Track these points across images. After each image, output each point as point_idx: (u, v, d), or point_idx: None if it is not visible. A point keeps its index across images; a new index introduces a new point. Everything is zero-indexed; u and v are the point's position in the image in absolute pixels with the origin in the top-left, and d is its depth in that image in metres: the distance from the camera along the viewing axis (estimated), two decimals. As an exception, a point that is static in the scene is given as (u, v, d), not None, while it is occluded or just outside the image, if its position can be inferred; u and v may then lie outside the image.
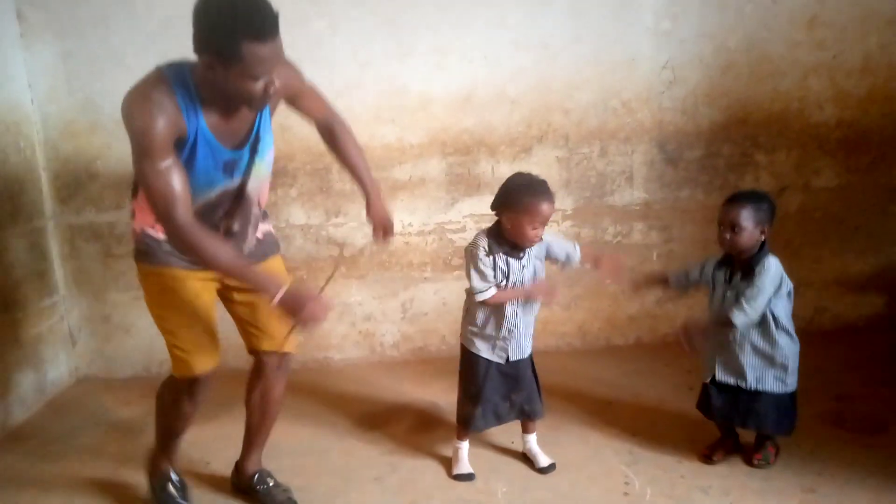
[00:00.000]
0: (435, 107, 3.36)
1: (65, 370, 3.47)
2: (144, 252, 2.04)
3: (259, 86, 1.71)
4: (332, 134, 2.24)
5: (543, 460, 2.53)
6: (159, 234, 1.97)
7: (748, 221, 2.27)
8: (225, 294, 2.17)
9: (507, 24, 3.30)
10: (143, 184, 1.78)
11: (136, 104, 1.74)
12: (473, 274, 2.32)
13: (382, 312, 3.60)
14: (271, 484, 2.36)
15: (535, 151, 3.44)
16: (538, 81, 3.37)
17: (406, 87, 3.33)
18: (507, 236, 2.31)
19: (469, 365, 2.46)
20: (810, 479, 2.36)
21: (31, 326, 3.21)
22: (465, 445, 2.53)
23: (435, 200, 3.47)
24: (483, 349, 2.41)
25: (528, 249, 2.33)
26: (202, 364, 2.08)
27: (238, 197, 1.99)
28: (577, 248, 2.45)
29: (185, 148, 1.80)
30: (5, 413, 3.00)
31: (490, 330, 2.40)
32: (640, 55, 3.36)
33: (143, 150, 1.73)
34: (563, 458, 2.57)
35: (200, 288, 2.06)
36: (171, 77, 1.77)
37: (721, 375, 2.42)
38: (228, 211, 2.00)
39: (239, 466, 2.43)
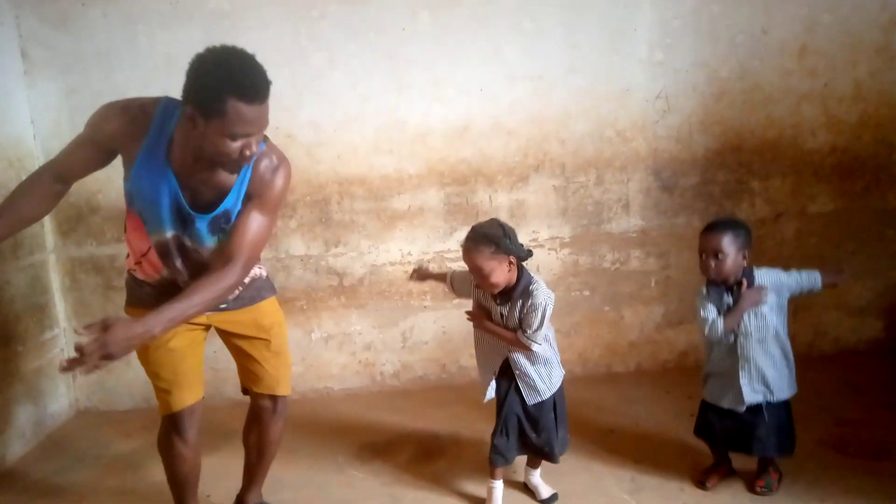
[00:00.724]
0: (433, 138, 3.41)
1: (65, 403, 3.47)
2: (129, 293, 2.11)
3: (235, 146, 1.69)
4: (222, 266, 1.86)
5: (545, 491, 2.51)
6: (139, 274, 2.04)
7: (731, 247, 2.30)
8: (220, 333, 2.19)
9: (503, 57, 3.35)
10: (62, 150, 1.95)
11: (110, 107, 1.87)
12: (457, 274, 2.52)
13: (382, 342, 3.61)
14: None
15: (531, 180, 3.47)
16: (534, 112, 3.41)
17: (404, 119, 3.38)
18: None
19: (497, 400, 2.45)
20: (813, 506, 2.35)
21: (32, 360, 3.21)
22: (497, 485, 2.47)
23: (433, 229, 3.50)
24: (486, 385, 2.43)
25: (509, 303, 2.29)
26: (180, 399, 2.10)
27: (199, 261, 1.96)
28: (527, 338, 2.27)
29: (137, 163, 1.84)
30: (4, 447, 2.99)
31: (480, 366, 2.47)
32: (634, 85, 3.42)
33: (83, 135, 1.90)
34: (566, 487, 2.55)
35: (178, 329, 1.93)
36: (162, 107, 1.83)
37: (750, 397, 2.37)
38: (185, 266, 1.96)
39: (240, 499, 2.44)
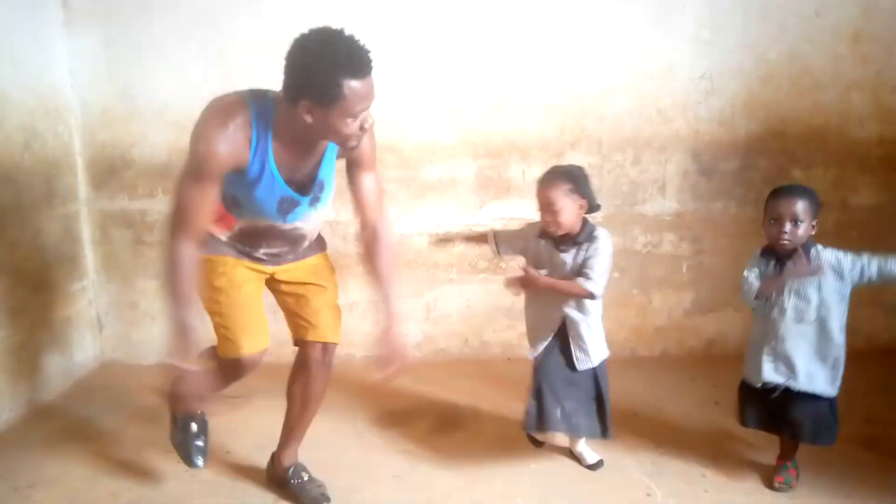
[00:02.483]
0: (468, 108, 3.36)
1: (91, 354, 3.51)
2: (202, 244, 2.10)
3: (356, 125, 1.75)
4: (374, 236, 2.11)
5: (591, 457, 2.52)
6: (216, 231, 2.07)
7: (806, 214, 2.18)
8: (273, 285, 2.23)
9: (545, 28, 3.28)
10: (176, 191, 1.85)
11: (211, 127, 1.78)
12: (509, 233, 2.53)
13: (406, 312, 3.57)
14: (305, 479, 2.36)
15: (567, 156, 3.40)
16: (574, 86, 3.34)
17: (440, 88, 3.33)
18: None
19: (537, 366, 2.42)
20: (840, 502, 2.29)
21: (60, 309, 3.25)
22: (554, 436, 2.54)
23: (464, 202, 3.46)
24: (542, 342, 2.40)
25: (576, 248, 2.29)
26: (250, 346, 2.11)
27: (294, 237, 2.09)
28: (588, 280, 2.26)
29: (243, 175, 1.85)
30: (32, 392, 3.04)
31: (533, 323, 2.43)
32: (678, 63, 3.33)
33: (194, 167, 1.80)
34: (585, 468, 2.53)
35: (249, 275, 2.13)
36: (252, 109, 1.80)
37: (770, 375, 2.28)
38: (278, 244, 2.09)
39: (275, 458, 2.42)
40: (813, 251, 2.23)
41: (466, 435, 2.77)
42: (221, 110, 1.81)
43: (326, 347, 2.27)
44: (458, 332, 3.61)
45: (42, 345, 3.12)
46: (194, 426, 2.31)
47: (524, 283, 2.34)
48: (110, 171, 3.40)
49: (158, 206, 3.39)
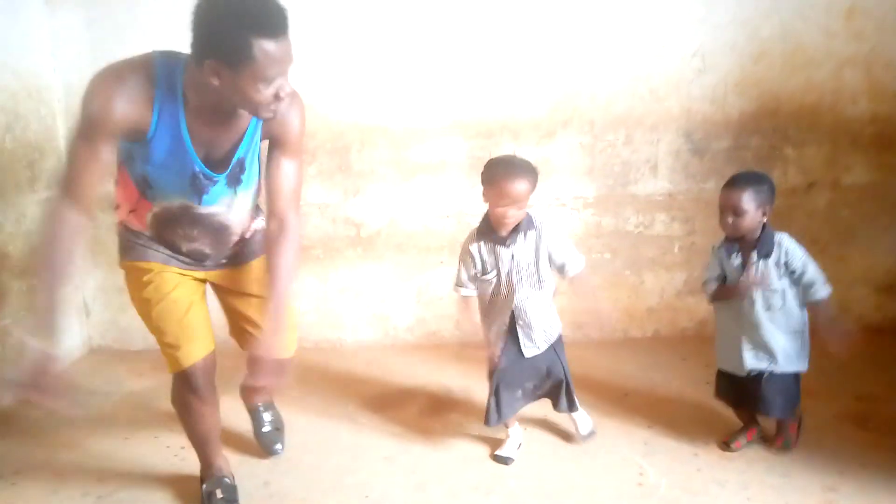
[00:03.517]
0: (458, 88, 3.31)
1: (78, 340, 3.48)
2: (124, 247, 2.00)
3: (268, 92, 1.59)
4: (280, 229, 1.88)
5: (585, 426, 2.53)
6: (135, 225, 1.93)
7: (750, 204, 2.23)
8: (214, 288, 2.12)
9: (535, 4, 3.23)
10: (68, 152, 1.71)
11: (106, 82, 1.63)
12: (459, 267, 2.35)
13: (397, 295, 3.57)
14: (266, 419, 2.44)
15: (559, 136, 3.38)
16: (565, 65, 3.30)
17: (429, 68, 3.28)
18: (490, 221, 2.27)
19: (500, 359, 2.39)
20: (832, 479, 2.29)
21: (47, 294, 3.20)
22: (513, 431, 2.50)
23: (455, 184, 3.42)
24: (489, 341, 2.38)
25: (520, 236, 2.26)
26: (190, 353, 1.97)
27: (214, 227, 1.92)
28: (578, 266, 2.32)
29: (149, 139, 1.69)
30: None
31: (489, 324, 2.38)
32: (670, 40, 3.28)
33: (84, 131, 1.64)
34: (577, 447, 2.53)
35: (178, 280, 1.98)
36: (158, 68, 1.65)
37: (752, 363, 2.35)
38: (199, 237, 1.93)
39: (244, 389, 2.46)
40: (776, 239, 2.28)
41: (458, 416, 2.76)
42: (121, 66, 1.66)
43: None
44: (450, 315, 3.58)
45: (28, 331, 3.07)
46: (219, 493, 2.17)
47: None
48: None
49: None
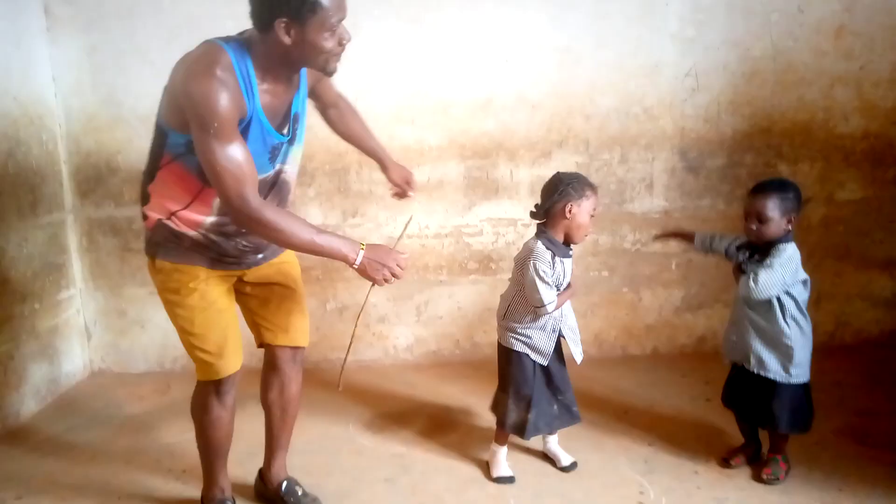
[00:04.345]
0: (455, 109, 3.35)
1: (79, 363, 3.48)
2: (163, 245, 1.92)
3: (334, 40, 1.72)
4: (336, 107, 2.26)
5: (565, 459, 2.52)
6: (180, 226, 1.87)
7: (774, 212, 2.22)
8: (237, 286, 2.08)
9: (531, 26, 3.28)
10: (211, 166, 1.68)
11: (202, 81, 1.65)
12: (541, 286, 2.26)
13: (397, 315, 3.58)
14: (300, 493, 2.28)
15: (554, 156, 3.41)
16: (560, 85, 3.35)
17: (427, 89, 3.33)
18: (562, 235, 2.32)
19: (516, 367, 2.40)
20: (831, 495, 2.30)
21: (48, 318, 3.22)
22: (503, 450, 2.50)
23: (452, 203, 3.45)
24: (529, 350, 2.39)
25: (573, 247, 2.36)
26: (229, 365, 1.99)
27: (278, 185, 1.93)
28: None
29: (242, 128, 1.74)
30: (19, 403, 3.01)
31: (539, 330, 2.38)
32: (663, 61, 3.33)
33: (212, 132, 1.65)
34: (578, 465, 2.53)
35: (221, 288, 1.99)
36: (231, 52, 1.71)
37: (731, 354, 2.42)
38: (271, 198, 1.91)
39: (264, 475, 2.33)
40: (779, 247, 2.24)
41: (458, 437, 2.76)
42: (204, 61, 1.68)
43: (296, 350, 2.19)
44: (449, 334, 3.60)
45: (30, 355, 3.09)
46: None
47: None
48: (96, 179, 3.37)
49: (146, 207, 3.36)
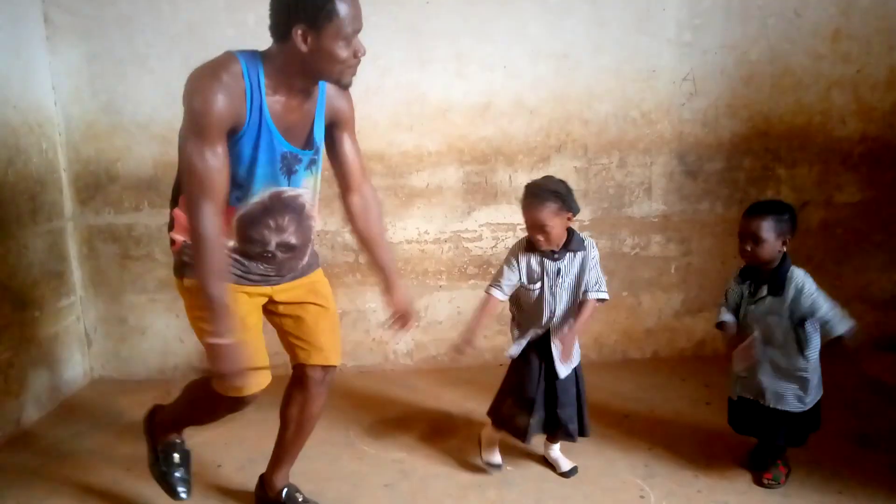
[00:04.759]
0: (453, 115, 3.36)
1: (80, 371, 3.49)
2: (188, 265, 1.90)
3: (349, 51, 1.73)
4: (363, 201, 2.10)
5: (566, 464, 2.52)
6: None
7: (769, 233, 2.23)
8: (269, 307, 2.08)
9: (528, 33, 3.29)
10: (184, 162, 1.72)
11: (203, 81, 1.70)
12: (502, 268, 2.38)
13: (397, 320, 3.58)
14: (300, 500, 2.28)
15: (553, 161, 3.42)
16: (558, 91, 3.36)
17: (425, 95, 3.34)
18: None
19: (522, 369, 2.42)
20: (831, 498, 2.30)
21: (48, 326, 3.22)
22: (489, 433, 2.52)
23: (451, 209, 3.46)
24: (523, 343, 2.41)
25: (569, 255, 2.32)
26: (258, 382, 1.95)
27: (298, 210, 1.94)
28: (598, 291, 2.36)
29: (240, 135, 1.76)
30: (20, 411, 3.01)
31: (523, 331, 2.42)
32: (661, 66, 3.35)
33: (196, 129, 1.69)
34: (578, 470, 2.53)
35: (250, 303, 1.98)
36: (242, 62, 1.74)
37: (740, 391, 2.39)
38: (289, 224, 1.93)
39: (266, 480, 2.32)
40: (792, 273, 2.26)
41: (458, 442, 2.76)
42: (213, 65, 1.73)
43: (327, 369, 2.16)
44: (449, 339, 3.58)
45: (30, 363, 3.09)
46: (176, 456, 2.20)
47: (566, 355, 2.37)
48: (96, 186, 3.38)
49: (145, 220, 3.38)
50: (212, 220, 1.71)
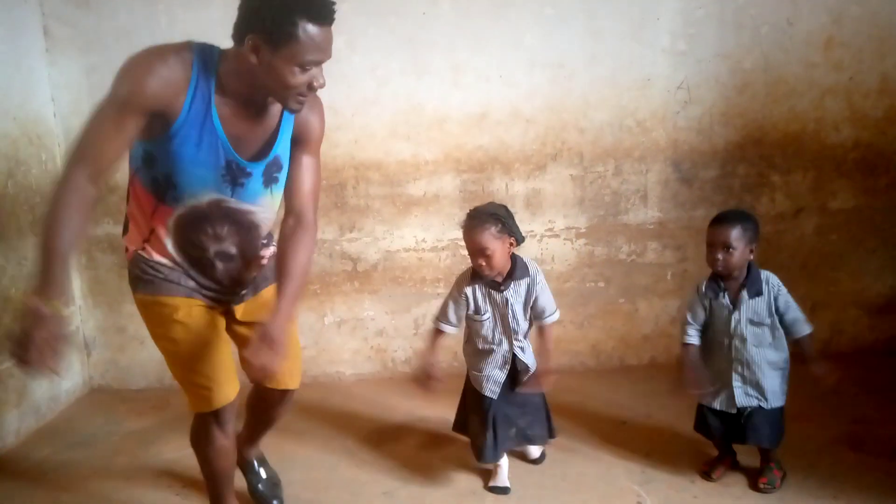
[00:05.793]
0: (450, 124, 3.39)
1: (79, 380, 3.50)
2: (141, 279, 1.85)
3: (303, 79, 1.59)
4: (298, 225, 1.85)
5: (535, 451, 2.58)
6: (154, 255, 1.83)
7: (739, 241, 2.28)
8: (230, 321, 2.00)
9: (524, 43, 3.33)
10: (89, 122, 1.59)
11: (145, 59, 1.59)
12: (445, 301, 2.39)
13: (395, 328, 3.60)
14: (263, 476, 2.38)
15: (549, 169, 3.45)
16: (553, 100, 3.38)
17: (422, 105, 3.37)
18: None
19: (474, 395, 2.47)
20: (826, 503, 2.31)
21: (48, 336, 3.23)
22: (504, 461, 2.51)
23: (449, 217, 3.48)
24: (485, 388, 2.42)
25: (512, 284, 2.32)
26: (225, 395, 1.92)
27: (245, 226, 1.84)
28: (555, 316, 2.40)
29: (176, 128, 1.62)
30: (20, 421, 3.02)
31: (486, 366, 2.41)
32: (655, 75, 3.37)
33: (113, 98, 1.57)
34: (575, 477, 2.55)
35: (206, 317, 1.89)
36: (196, 51, 1.64)
37: (743, 401, 2.37)
38: (228, 235, 1.83)
39: (240, 450, 2.29)
40: (762, 276, 2.33)
41: (457, 449, 2.77)
42: (161, 47, 1.64)
43: (285, 393, 2.11)
44: (447, 347, 3.56)
45: (29, 373, 3.10)
46: None
47: (541, 381, 2.39)
48: (94, 197, 3.39)
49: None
50: (77, 184, 1.56)
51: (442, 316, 2.42)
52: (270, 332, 1.70)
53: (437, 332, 2.45)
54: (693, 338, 2.43)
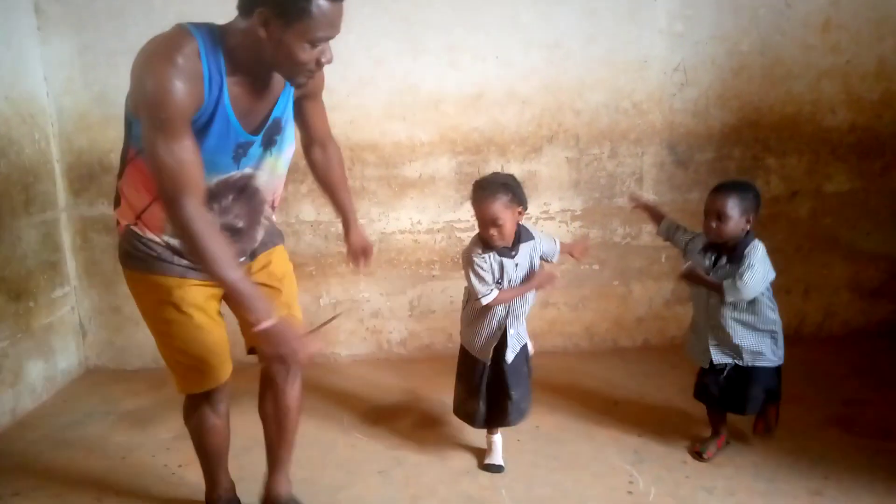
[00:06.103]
0: (446, 105, 3.38)
1: (75, 360, 3.50)
2: (132, 255, 1.81)
3: (313, 54, 1.56)
4: (324, 151, 2.10)
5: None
6: (147, 232, 1.78)
7: (734, 210, 2.30)
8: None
9: (520, 23, 3.30)
10: (152, 160, 1.55)
11: (157, 65, 1.52)
12: (473, 279, 2.30)
13: (390, 309, 3.61)
14: None
15: (545, 151, 3.44)
16: (550, 81, 3.37)
17: (417, 85, 3.35)
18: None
19: (468, 365, 2.47)
20: (817, 483, 2.34)
21: (43, 316, 3.24)
22: (497, 438, 2.54)
23: (444, 199, 3.48)
24: (476, 350, 2.43)
25: (521, 247, 2.32)
26: (216, 377, 1.91)
27: (247, 192, 1.80)
28: (557, 243, 2.48)
29: (198, 121, 1.59)
30: (15, 401, 3.03)
31: (481, 330, 2.40)
32: (652, 56, 3.36)
33: (158, 123, 1.51)
34: (568, 456, 2.57)
35: (202, 295, 1.85)
36: (199, 39, 1.56)
37: (718, 358, 2.44)
38: (233, 205, 1.80)
39: (269, 490, 2.19)
40: (750, 247, 2.32)
41: (451, 429, 2.80)
42: (165, 44, 1.55)
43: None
44: (442, 328, 3.63)
45: (25, 353, 3.11)
46: None
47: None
48: (89, 177, 3.38)
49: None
50: (198, 214, 1.56)
51: (479, 293, 2.29)
52: (359, 242, 2.19)
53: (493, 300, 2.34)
54: (666, 221, 2.65)
